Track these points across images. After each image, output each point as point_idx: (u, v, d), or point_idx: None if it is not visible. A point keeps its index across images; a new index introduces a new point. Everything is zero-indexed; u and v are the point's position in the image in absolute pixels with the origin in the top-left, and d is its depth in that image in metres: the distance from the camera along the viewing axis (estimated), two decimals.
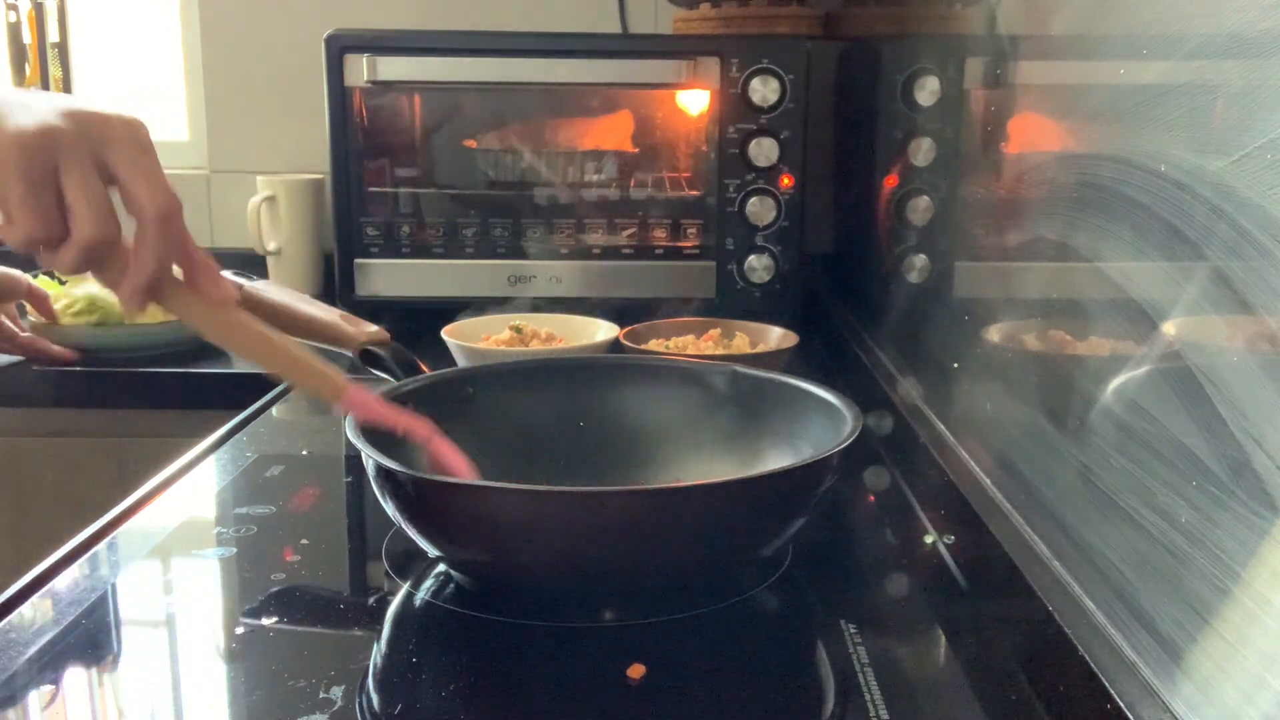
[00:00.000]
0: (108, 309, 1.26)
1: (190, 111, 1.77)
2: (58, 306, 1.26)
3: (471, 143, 1.43)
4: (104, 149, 0.57)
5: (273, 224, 1.58)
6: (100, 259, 0.59)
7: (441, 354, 1.12)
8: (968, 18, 1.16)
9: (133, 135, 0.59)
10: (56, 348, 1.25)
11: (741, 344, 1.15)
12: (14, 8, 1.62)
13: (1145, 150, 0.59)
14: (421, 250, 1.37)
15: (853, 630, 0.63)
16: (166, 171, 0.63)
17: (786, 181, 1.33)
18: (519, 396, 0.82)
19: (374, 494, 0.67)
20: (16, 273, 1.22)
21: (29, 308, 1.26)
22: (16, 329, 1.25)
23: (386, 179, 1.41)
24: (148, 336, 1.26)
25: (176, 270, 0.63)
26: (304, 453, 0.96)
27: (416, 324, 1.17)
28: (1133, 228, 0.59)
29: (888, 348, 1.17)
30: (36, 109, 0.57)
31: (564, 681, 0.59)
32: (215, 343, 0.64)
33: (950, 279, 1.11)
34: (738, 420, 0.81)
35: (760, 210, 1.32)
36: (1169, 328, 0.55)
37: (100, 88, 1.81)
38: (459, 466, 0.68)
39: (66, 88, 1.67)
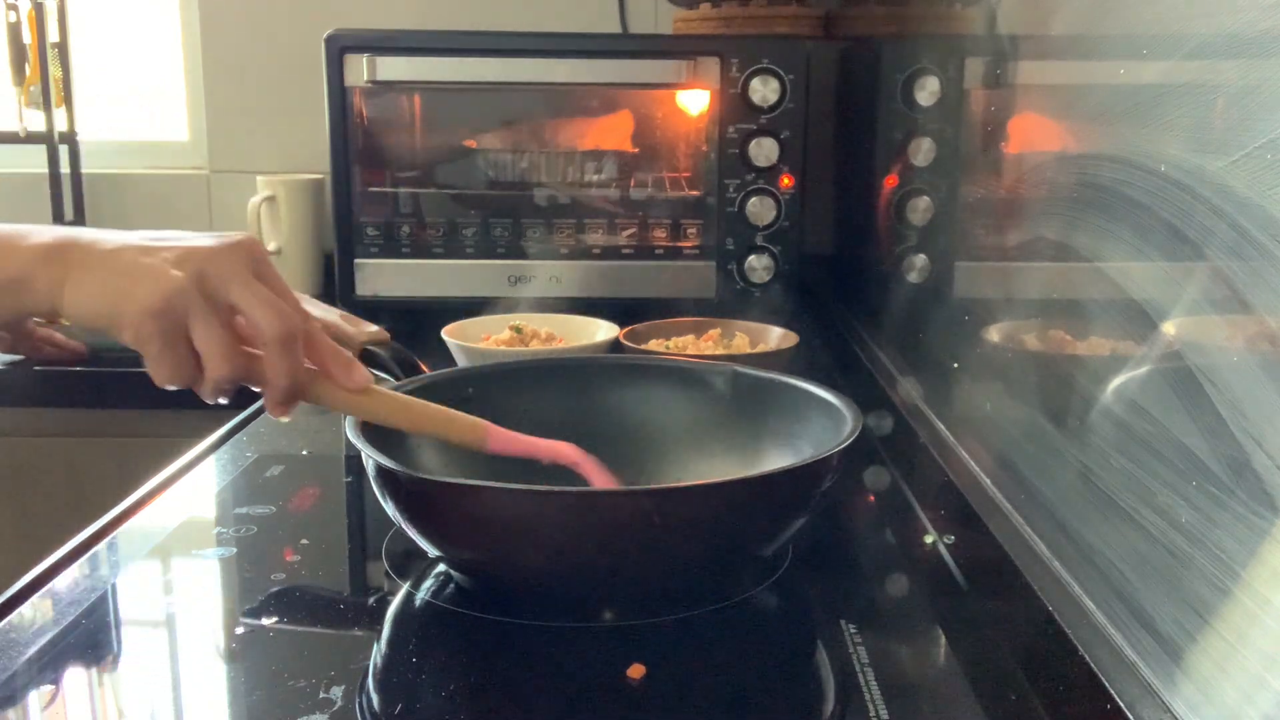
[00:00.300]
0: None
1: (190, 111, 1.77)
2: None
3: (471, 143, 1.43)
4: (223, 291, 0.62)
5: (273, 224, 1.58)
6: (247, 381, 0.65)
7: (441, 354, 1.12)
8: (968, 18, 1.16)
9: (246, 263, 0.63)
10: (72, 341, 1.25)
11: (741, 344, 1.15)
12: (14, 8, 1.62)
13: (1145, 150, 0.59)
14: (421, 250, 1.37)
15: (853, 630, 0.63)
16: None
17: (786, 181, 1.33)
18: (519, 396, 0.82)
19: (374, 494, 0.67)
20: None
21: None
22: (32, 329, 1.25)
23: (386, 179, 1.41)
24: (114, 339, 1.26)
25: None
26: (304, 453, 0.96)
27: (416, 324, 1.17)
28: (1133, 228, 0.59)
29: (888, 348, 1.17)
30: (157, 263, 0.61)
31: (564, 681, 0.59)
32: (363, 418, 0.69)
33: (950, 279, 1.11)
34: (738, 420, 0.81)
35: (760, 210, 1.32)
36: (1169, 328, 0.55)
37: (100, 88, 1.81)
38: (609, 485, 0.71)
39: (66, 88, 1.67)
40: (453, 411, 0.71)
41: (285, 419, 0.68)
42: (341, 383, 0.67)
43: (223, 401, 0.67)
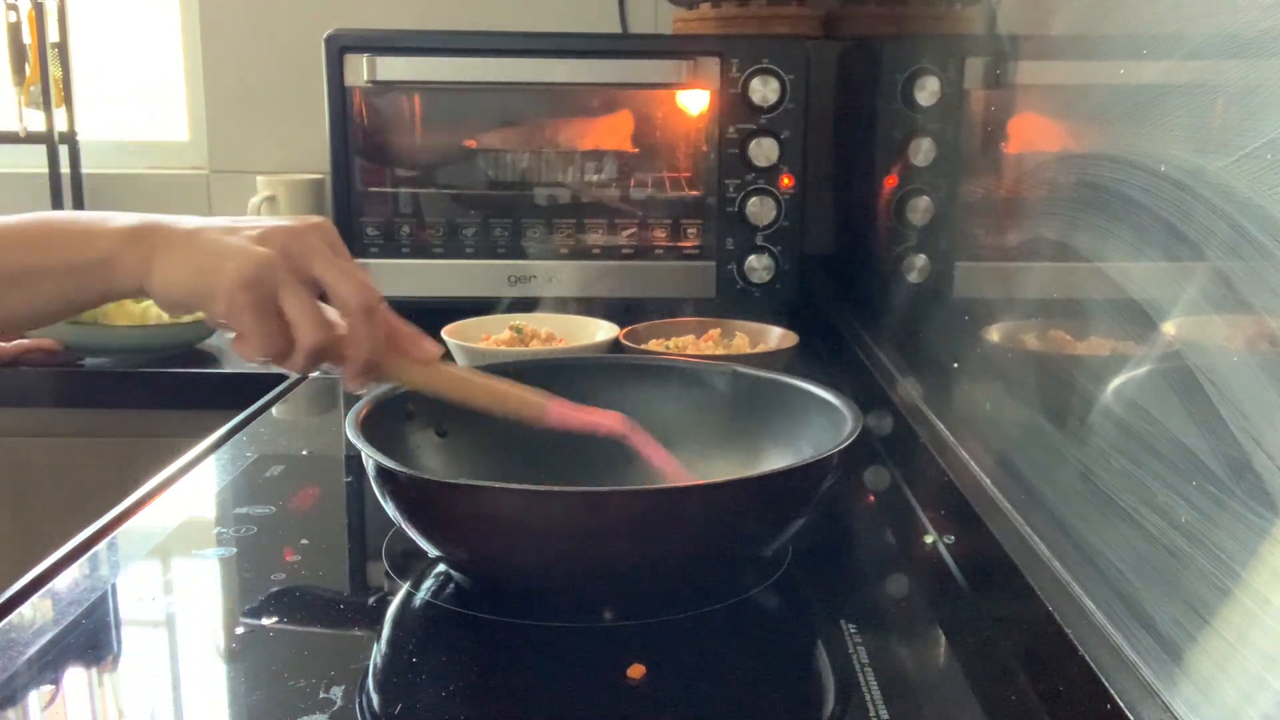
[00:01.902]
0: None
1: (190, 111, 1.77)
2: None
3: (471, 143, 1.43)
4: (307, 264, 0.64)
5: None
6: (327, 355, 0.66)
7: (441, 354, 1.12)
8: (968, 18, 1.16)
9: (326, 241, 0.66)
10: (45, 340, 1.25)
11: (741, 344, 1.15)
12: (14, 8, 1.62)
13: (1145, 150, 0.59)
14: (421, 250, 1.37)
15: (853, 630, 0.63)
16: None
17: (786, 181, 1.33)
18: None
19: (374, 494, 0.67)
20: None
21: None
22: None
23: (386, 179, 1.41)
24: (117, 338, 1.26)
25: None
26: (304, 453, 0.96)
27: (416, 324, 1.17)
28: (1133, 228, 0.59)
29: (888, 348, 1.17)
30: (241, 239, 0.64)
31: (564, 681, 0.59)
32: (431, 393, 0.71)
33: (950, 279, 1.11)
34: (738, 420, 0.81)
35: (760, 210, 1.32)
36: (1169, 328, 0.55)
37: (100, 88, 1.81)
38: (660, 457, 0.72)
39: (66, 88, 1.67)
40: (513, 386, 0.73)
41: (361, 391, 0.70)
42: (414, 355, 0.70)
43: (310, 375, 0.68)
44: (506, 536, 0.62)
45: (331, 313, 0.66)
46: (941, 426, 0.91)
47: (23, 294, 0.65)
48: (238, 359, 0.66)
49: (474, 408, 0.72)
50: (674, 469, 0.72)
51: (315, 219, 0.68)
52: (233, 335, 0.65)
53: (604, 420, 0.73)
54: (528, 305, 1.31)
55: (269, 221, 0.66)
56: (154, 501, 0.83)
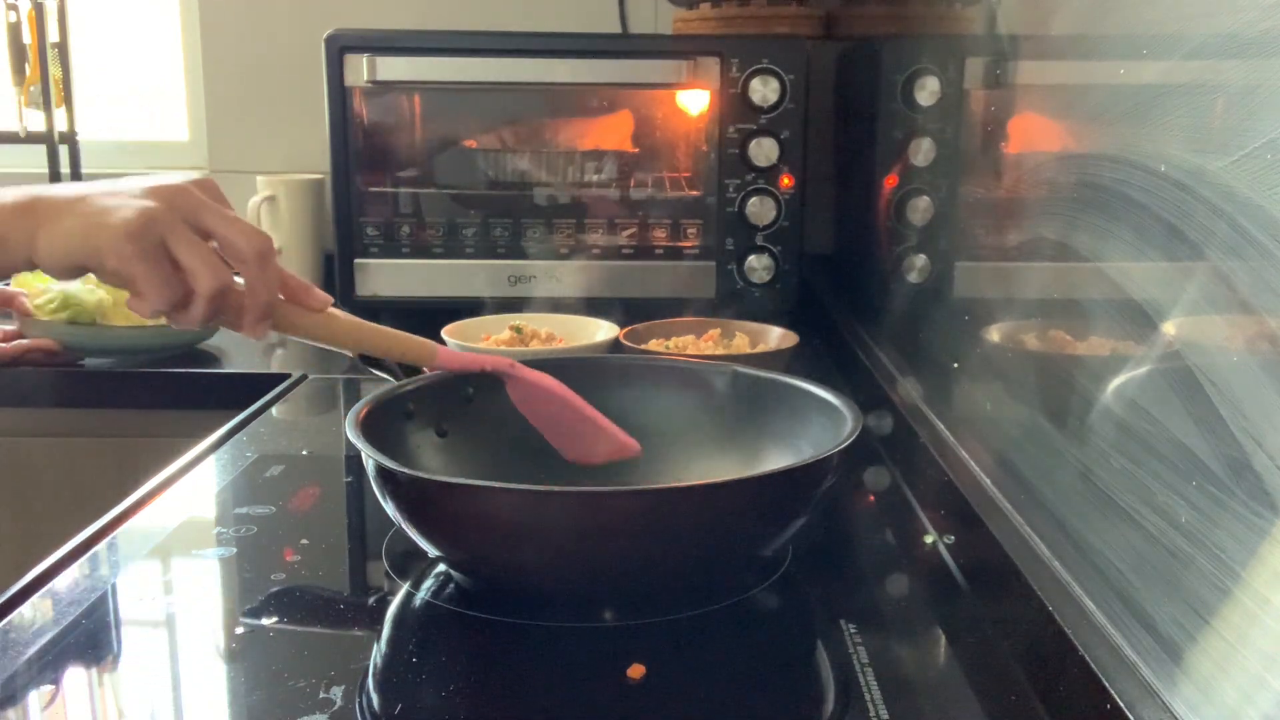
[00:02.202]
0: (79, 308, 1.26)
1: (190, 111, 1.77)
2: (36, 302, 1.25)
3: (471, 143, 1.43)
4: (195, 214, 0.65)
5: (273, 224, 1.58)
6: (223, 306, 0.67)
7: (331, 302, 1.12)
8: (968, 18, 1.16)
9: (211, 194, 0.68)
10: (45, 340, 1.25)
11: (741, 344, 1.15)
12: (14, 8, 1.62)
13: (1145, 150, 0.59)
14: (421, 250, 1.37)
15: (853, 630, 0.63)
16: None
17: (786, 181, 1.33)
18: None
19: (374, 494, 0.67)
20: None
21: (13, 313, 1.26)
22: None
23: (386, 179, 1.41)
24: (117, 338, 1.26)
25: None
26: (304, 453, 0.96)
27: (416, 324, 1.16)
28: (1133, 228, 0.59)
29: (888, 348, 1.17)
30: (125, 199, 0.64)
31: (564, 681, 0.59)
32: (323, 344, 0.74)
33: (950, 279, 1.11)
34: (738, 420, 0.81)
35: (760, 210, 1.32)
36: (1169, 328, 0.55)
37: (100, 88, 1.81)
38: (550, 382, 0.76)
39: (66, 88, 1.67)
40: (402, 333, 0.77)
41: (260, 339, 0.71)
42: (309, 304, 0.72)
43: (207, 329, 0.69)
44: (506, 536, 0.62)
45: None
46: (941, 426, 0.91)
47: None
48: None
49: (367, 352, 0.75)
50: (572, 396, 0.76)
51: (199, 175, 0.69)
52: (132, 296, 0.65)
53: (487, 360, 0.77)
54: (528, 305, 1.31)
55: (152, 180, 0.67)
56: (154, 501, 0.83)
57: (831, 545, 0.78)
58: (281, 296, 0.71)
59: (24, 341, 1.25)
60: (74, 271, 0.66)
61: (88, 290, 1.23)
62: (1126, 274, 0.62)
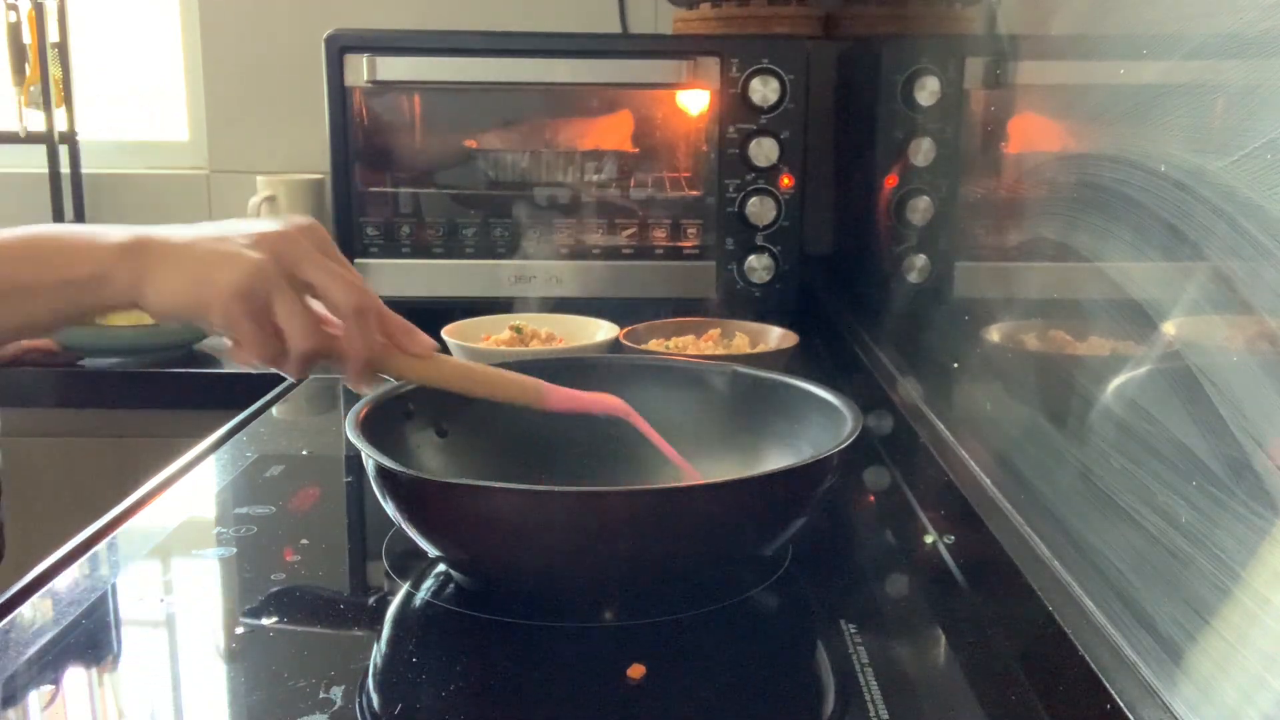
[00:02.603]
0: None
1: (190, 111, 1.77)
2: None
3: (472, 143, 1.43)
4: (298, 269, 0.65)
5: None
6: (324, 355, 0.67)
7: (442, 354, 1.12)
8: (968, 18, 1.16)
9: (316, 243, 0.67)
10: (42, 340, 1.25)
11: (741, 344, 1.15)
12: (14, 8, 1.62)
13: (1145, 150, 0.59)
14: (421, 250, 1.37)
15: (853, 630, 0.63)
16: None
17: (786, 181, 1.33)
18: None
19: (374, 494, 0.67)
20: None
21: None
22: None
23: (386, 179, 1.41)
24: (116, 338, 1.26)
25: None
26: (304, 453, 0.96)
27: (416, 324, 1.16)
28: (1133, 228, 0.59)
29: (888, 348, 1.17)
30: (233, 247, 0.64)
31: (564, 681, 0.59)
32: (431, 385, 0.72)
33: (950, 279, 1.11)
34: (738, 420, 0.81)
35: (760, 210, 1.32)
36: (1169, 328, 0.55)
37: (100, 88, 1.81)
38: (658, 441, 0.74)
39: (66, 88, 1.67)
40: (510, 373, 0.75)
41: (365, 390, 0.71)
42: (412, 351, 0.71)
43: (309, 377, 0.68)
44: (506, 536, 0.62)
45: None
46: (941, 426, 0.91)
47: (13, 308, 0.65)
48: (235, 362, 0.66)
49: (475, 396, 0.73)
50: (673, 453, 0.74)
51: (305, 220, 0.68)
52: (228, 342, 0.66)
53: (603, 401, 0.74)
54: (528, 305, 1.31)
55: (260, 226, 0.67)
56: (154, 501, 0.83)
57: (831, 545, 0.78)
58: (386, 340, 0.70)
59: (23, 342, 1.25)
60: (179, 320, 0.67)
61: None
62: (1126, 274, 0.62)
